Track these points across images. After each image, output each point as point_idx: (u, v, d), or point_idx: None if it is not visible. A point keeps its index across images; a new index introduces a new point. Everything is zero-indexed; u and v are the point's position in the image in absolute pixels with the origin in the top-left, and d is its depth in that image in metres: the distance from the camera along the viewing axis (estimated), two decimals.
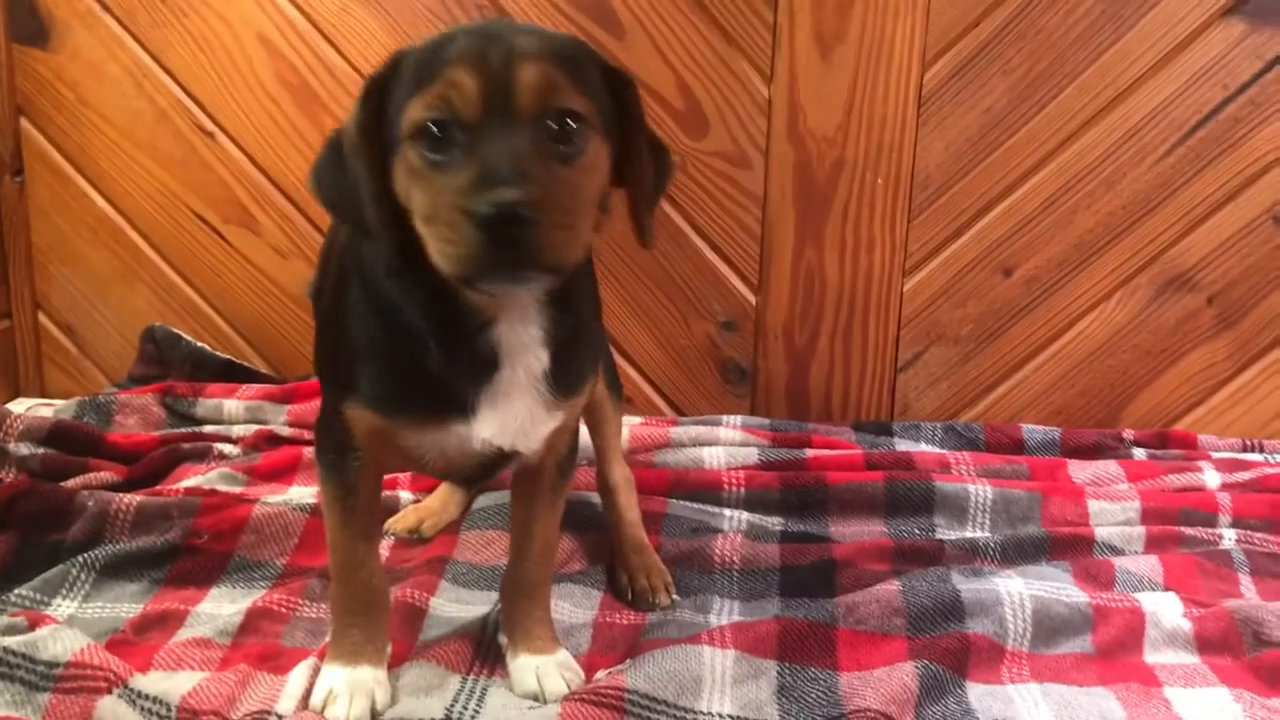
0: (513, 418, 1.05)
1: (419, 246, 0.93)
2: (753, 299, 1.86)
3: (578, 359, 1.09)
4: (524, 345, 1.03)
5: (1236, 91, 1.72)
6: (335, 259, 1.12)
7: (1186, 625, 1.26)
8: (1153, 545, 1.46)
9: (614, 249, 1.85)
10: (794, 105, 1.78)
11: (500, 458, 1.08)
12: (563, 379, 1.07)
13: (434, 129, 0.91)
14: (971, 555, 1.43)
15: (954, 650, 1.19)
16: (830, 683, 1.16)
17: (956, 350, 1.85)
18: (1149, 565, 1.39)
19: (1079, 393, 1.84)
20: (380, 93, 0.96)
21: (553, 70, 0.92)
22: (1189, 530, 1.49)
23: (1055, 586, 1.30)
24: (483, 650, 1.20)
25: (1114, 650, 1.23)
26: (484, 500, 1.52)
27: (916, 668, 1.15)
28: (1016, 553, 1.44)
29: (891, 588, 1.29)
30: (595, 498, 1.46)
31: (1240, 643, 1.24)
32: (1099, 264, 1.79)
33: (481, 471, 1.13)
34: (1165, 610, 1.28)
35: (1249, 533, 1.49)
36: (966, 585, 1.29)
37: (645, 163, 1.02)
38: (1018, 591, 1.27)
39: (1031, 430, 1.78)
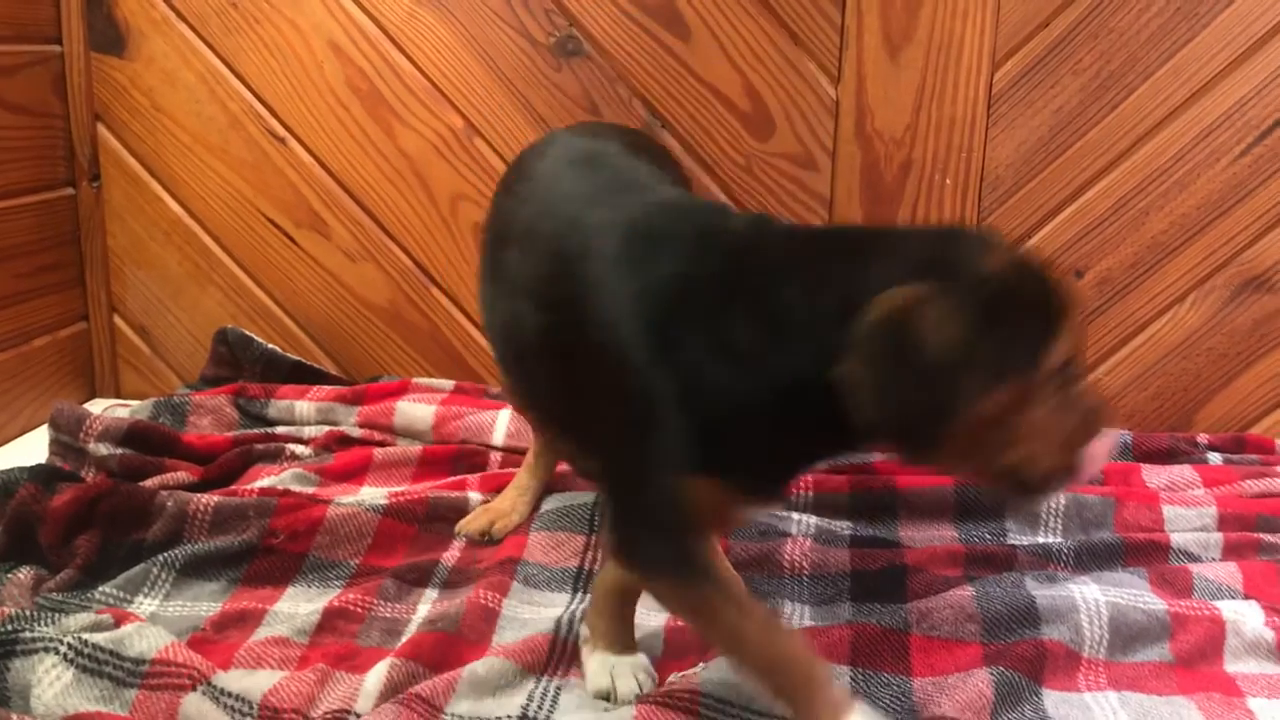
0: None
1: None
2: None
3: None
4: None
5: None
6: (678, 340, 0.99)
7: (1269, 634, 1.24)
8: (1230, 552, 1.44)
9: None
10: (862, 106, 1.77)
11: None
12: None
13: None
14: (1045, 561, 1.41)
15: (1030, 657, 1.18)
16: (904, 689, 1.15)
17: None
18: (1227, 572, 1.37)
19: (1152, 396, 1.82)
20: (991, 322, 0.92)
21: None
22: (1268, 537, 1.46)
23: (1132, 593, 1.28)
24: (557, 651, 1.21)
25: (1194, 659, 1.22)
26: (552, 502, 1.52)
27: (992, 674, 1.14)
28: (1090, 559, 1.42)
29: (965, 593, 1.28)
30: None
31: None
32: (1172, 266, 1.77)
33: None
34: (1246, 618, 1.26)
35: None
36: (1041, 591, 1.28)
37: None
38: (1094, 598, 1.25)
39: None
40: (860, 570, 1.40)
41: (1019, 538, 1.50)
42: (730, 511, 1.07)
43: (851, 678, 1.16)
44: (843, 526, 1.52)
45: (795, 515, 1.53)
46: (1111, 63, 1.72)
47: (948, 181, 1.78)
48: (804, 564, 1.40)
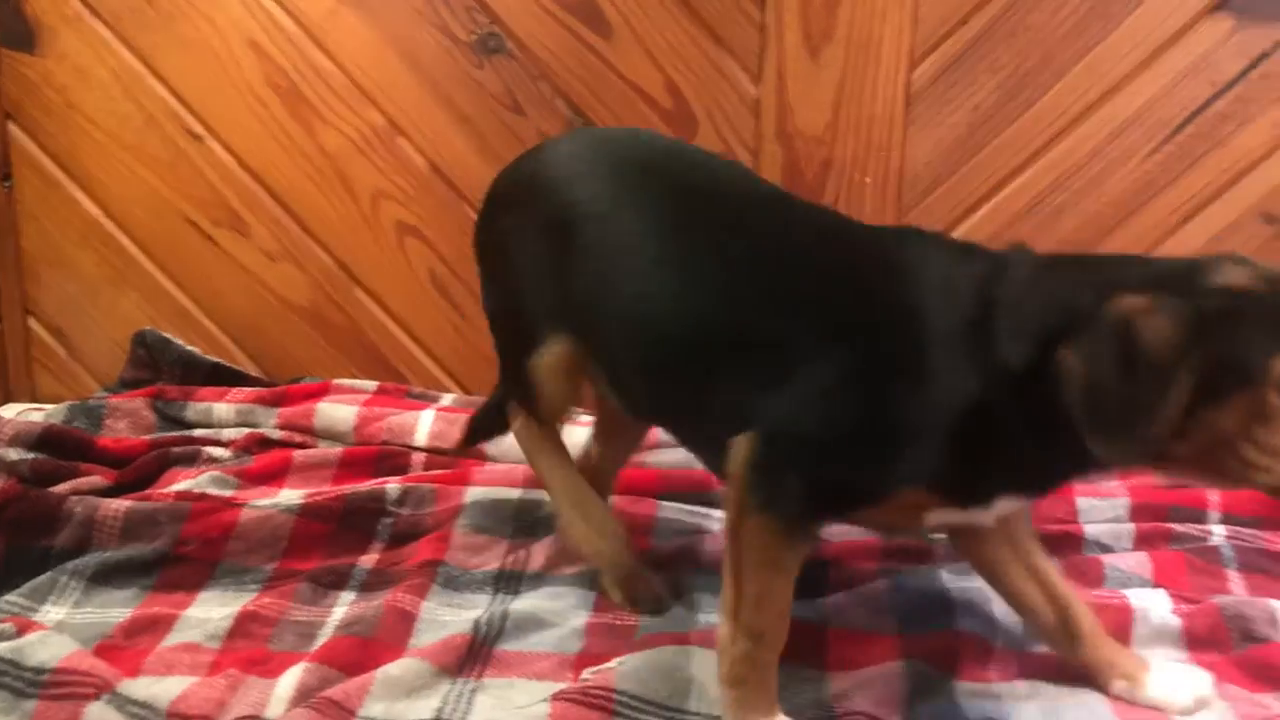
0: (1008, 509, 1.11)
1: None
2: None
3: None
4: None
5: (1224, 88, 1.72)
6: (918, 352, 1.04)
7: (1175, 621, 1.26)
8: (1142, 542, 1.46)
9: None
10: (782, 105, 1.78)
11: None
12: None
13: None
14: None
15: (943, 649, 1.20)
16: (820, 683, 1.16)
17: None
18: (1138, 562, 1.40)
19: None
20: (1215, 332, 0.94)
21: None
22: (1178, 527, 1.48)
23: None
24: (474, 652, 1.20)
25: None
26: (477, 501, 1.51)
27: (906, 667, 1.16)
28: None
29: (881, 586, 1.29)
30: None
31: (1228, 639, 1.24)
32: None
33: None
34: (1154, 607, 1.28)
35: (1238, 529, 1.49)
36: (956, 583, 1.30)
37: None
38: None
39: None
40: None
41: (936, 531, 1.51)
42: (920, 512, 1.08)
43: None
44: None
45: (718, 512, 1.53)
46: (1028, 60, 1.74)
47: (868, 180, 1.80)
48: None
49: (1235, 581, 1.38)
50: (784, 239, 1.15)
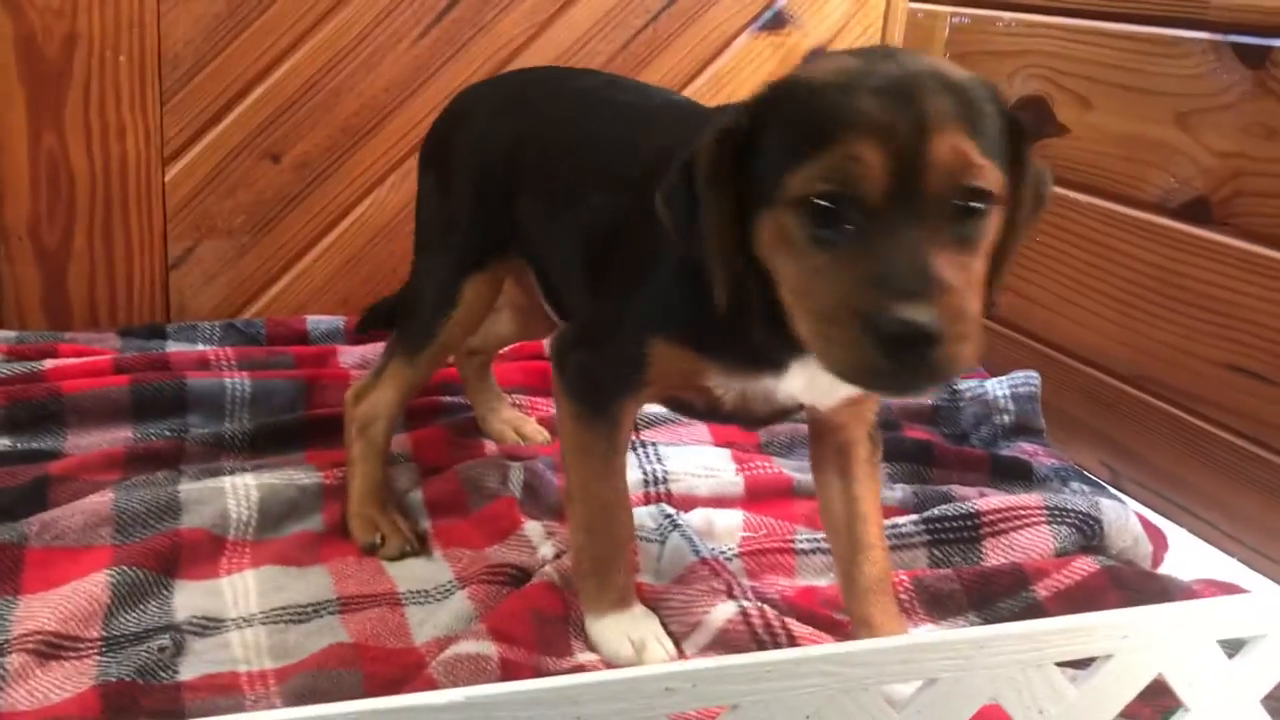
0: (823, 379, 0.92)
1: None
2: None
3: None
4: None
5: None
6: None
7: (419, 495, 1.29)
8: (411, 420, 1.47)
9: None
10: None
11: (793, 408, 1.03)
12: None
13: (823, 205, 0.77)
14: (218, 451, 1.35)
15: (162, 550, 1.12)
16: (5, 610, 1.02)
17: (231, 243, 1.74)
18: (399, 440, 1.41)
19: (363, 280, 1.82)
20: (749, 133, 0.83)
21: (968, 141, 0.77)
22: (448, 399, 1.52)
23: (291, 474, 1.27)
24: None
25: (336, 527, 1.22)
26: None
27: (110, 575, 1.06)
28: (267, 443, 1.38)
29: (103, 498, 1.18)
30: None
31: (466, 500, 1.29)
32: (368, 148, 1.76)
33: (772, 419, 1.07)
34: (400, 477, 1.30)
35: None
36: (191, 484, 1.22)
37: (1023, 213, 0.86)
38: (244, 483, 1.22)
39: (317, 321, 1.73)
40: None
41: (201, 430, 1.41)
42: (697, 379, 0.98)
43: None
44: None
45: None
46: None
47: (121, 59, 1.62)
48: None
49: (492, 448, 1.44)
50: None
